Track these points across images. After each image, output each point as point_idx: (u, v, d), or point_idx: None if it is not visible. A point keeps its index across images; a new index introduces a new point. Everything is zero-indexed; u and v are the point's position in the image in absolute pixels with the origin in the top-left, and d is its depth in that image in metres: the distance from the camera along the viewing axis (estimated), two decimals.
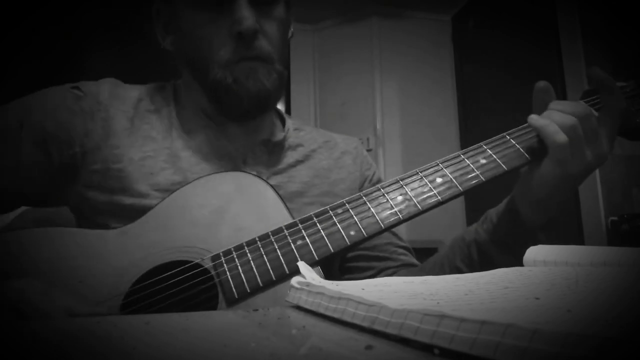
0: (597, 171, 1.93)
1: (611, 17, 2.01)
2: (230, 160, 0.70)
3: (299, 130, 0.81)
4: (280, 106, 1.71)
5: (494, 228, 0.65)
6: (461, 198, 2.91)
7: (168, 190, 0.63)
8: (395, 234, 0.80)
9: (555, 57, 2.15)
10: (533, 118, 0.61)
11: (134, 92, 0.72)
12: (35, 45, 1.35)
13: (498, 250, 0.64)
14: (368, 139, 2.89)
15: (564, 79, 2.10)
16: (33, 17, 1.37)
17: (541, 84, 0.63)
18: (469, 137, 2.84)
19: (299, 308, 0.35)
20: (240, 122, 0.73)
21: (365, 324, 0.26)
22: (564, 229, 2.01)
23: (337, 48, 3.09)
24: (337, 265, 0.77)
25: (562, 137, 0.57)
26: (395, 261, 0.77)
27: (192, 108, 0.73)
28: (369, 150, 2.86)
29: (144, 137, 0.68)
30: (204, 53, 0.67)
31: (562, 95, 2.06)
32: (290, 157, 0.75)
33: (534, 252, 0.45)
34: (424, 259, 0.78)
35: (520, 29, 2.39)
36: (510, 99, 2.04)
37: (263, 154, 0.73)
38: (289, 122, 0.80)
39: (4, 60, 1.30)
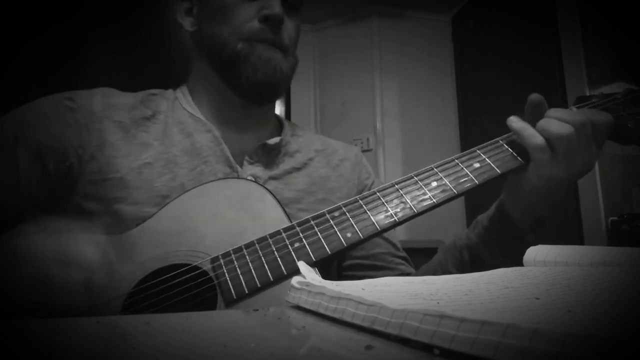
0: (597, 171, 1.93)
1: (611, 17, 2.00)
2: (228, 164, 0.70)
3: (298, 136, 0.81)
4: (281, 106, 1.71)
5: (485, 231, 0.66)
6: (461, 199, 2.91)
7: (167, 197, 0.63)
8: (393, 244, 0.80)
9: (555, 57, 2.15)
10: (512, 120, 0.61)
11: (128, 99, 0.72)
12: (35, 46, 1.35)
13: (489, 253, 0.65)
14: (368, 139, 2.88)
15: (564, 79, 2.10)
16: (33, 17, 1.37)
17: (534, 97, 0.61)
18: (468, 137, 2.84)
19: (299, 308, 0.35)
20: (248, 108, 0.74)
21: (365, 324, 0.26)
22: (563, 229, 2.01)
23: (337, 48, 3.08)
24: (334, 269, 0.77)
25: (539, 140, 0.57)
26: (393, 270, 0.77)
27: (192, 111, 0.73)
28: (369, 150, 2.86)
29: (141, 145, 0.67)
30: (228, 27, 0.70)
31: (561, 95, 2.05)
32: (287, 163, 0.75)
33: (534, 252, 0.45)
34: (423, 258, 0.78)
35: (520, 29, 2.39)
36: (510, 99, 2.03)
37: (260, 157, 0.73)
38: (287, 128, 0.80)
39: (4, 61, 1.30)
